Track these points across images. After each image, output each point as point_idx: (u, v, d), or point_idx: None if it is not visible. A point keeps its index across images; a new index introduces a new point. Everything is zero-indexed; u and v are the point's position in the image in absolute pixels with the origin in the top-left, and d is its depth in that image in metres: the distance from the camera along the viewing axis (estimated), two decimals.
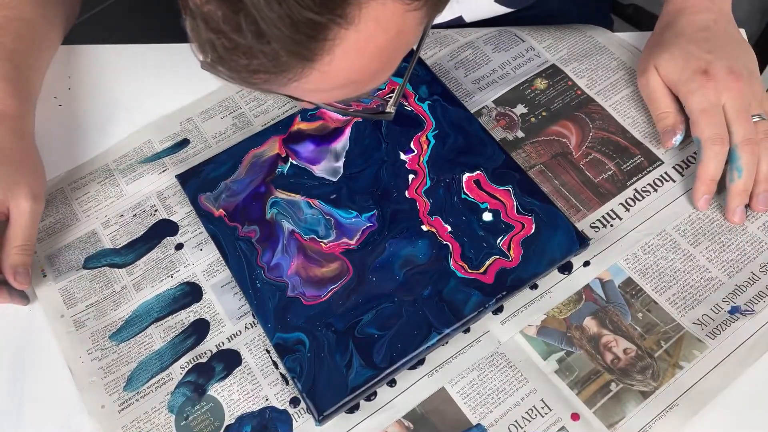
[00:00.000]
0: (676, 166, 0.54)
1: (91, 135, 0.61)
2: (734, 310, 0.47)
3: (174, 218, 0.55)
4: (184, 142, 0.59)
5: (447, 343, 0.48)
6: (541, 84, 0.60)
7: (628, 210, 0.53)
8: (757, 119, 0.50)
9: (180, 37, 0.62)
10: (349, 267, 0.49)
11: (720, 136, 0.50)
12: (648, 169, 0.54)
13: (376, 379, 0.45)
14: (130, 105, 0.62)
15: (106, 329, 0.50)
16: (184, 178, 0.54)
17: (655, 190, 0.53)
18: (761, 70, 0.55)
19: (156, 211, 0.56)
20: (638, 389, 0.45)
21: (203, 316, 0.51)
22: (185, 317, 0.51)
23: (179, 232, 0.54)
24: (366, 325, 0.47)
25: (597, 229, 0.52)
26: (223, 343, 0.49)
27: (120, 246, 0.54)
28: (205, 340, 0.50)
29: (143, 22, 0.62)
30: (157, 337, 0.50)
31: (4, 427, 0.48)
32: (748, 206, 0.51)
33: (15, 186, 0.50)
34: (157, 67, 0.64)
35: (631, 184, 0.54)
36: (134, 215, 0.56)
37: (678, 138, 0.53)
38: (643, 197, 0.53)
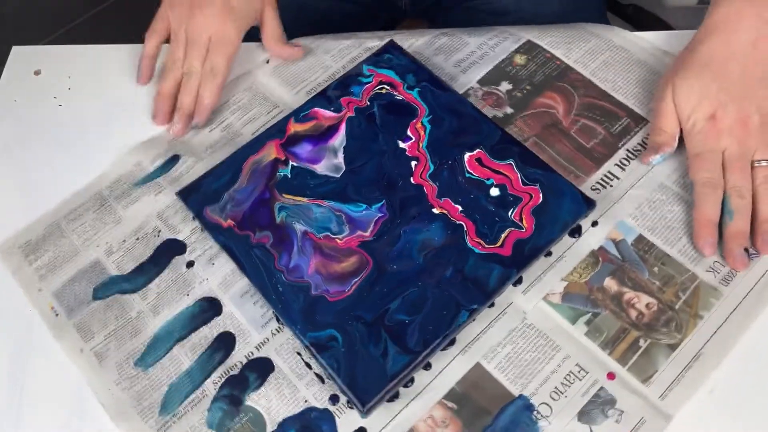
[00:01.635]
0: None
1: (91, 135, 0.60)
2: None
3: (180, 237, 0.54)
4: (175, 158, 0.58)
5: (474, 320, 0.49)
6: (520, 59, 0.61)
7: (624, 170, 0.55)
8: (764, 164, 0.49)
9: None
10: (368, 259, 0.49)
11: (711, 181, 0.49)
12: (635, 130, 0.56)
13: (413, 364, 0.46)
14: (130, 105, 0.62)
15: (130, 357, 0.49)
16: (185, 194, 0.54)
17: (646, 148, 0.55)
18: None
19: (159, 232, 0.55)
20: (665, 342, 0.47)
21: (227, 329, 0.50)
22: (208, 332, 0.50)
23: (187, 249, 0.54)
24: (395, 312, 0.47)
25: (598, 191, 0.54)
26: (252, 353, 0.49)
27: (128, 271, 0.53)
28: (233, 352, 0.49)
29: (143, 22, 0.63)
30: (184, 357, 0.49)
31: (4, 428, 0.47)
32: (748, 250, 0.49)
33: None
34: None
35: (623, 145, 0.56)
36: (137, 239, 0.55)
37: (657, 159, 0.53)
38: (636, 156, 0.55)
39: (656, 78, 0.58)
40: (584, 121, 0.57)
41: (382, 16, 0.78)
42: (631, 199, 0.53)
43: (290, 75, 0.63)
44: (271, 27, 0.62)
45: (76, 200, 0.57)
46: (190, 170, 0.57)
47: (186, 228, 0.55)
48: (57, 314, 0.51)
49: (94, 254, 0.54)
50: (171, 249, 0.54)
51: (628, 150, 0.55)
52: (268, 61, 0.64)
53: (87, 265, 0.54)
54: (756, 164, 0.50)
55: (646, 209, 0.52)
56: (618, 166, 0.55)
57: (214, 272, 0.52)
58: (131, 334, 0.50)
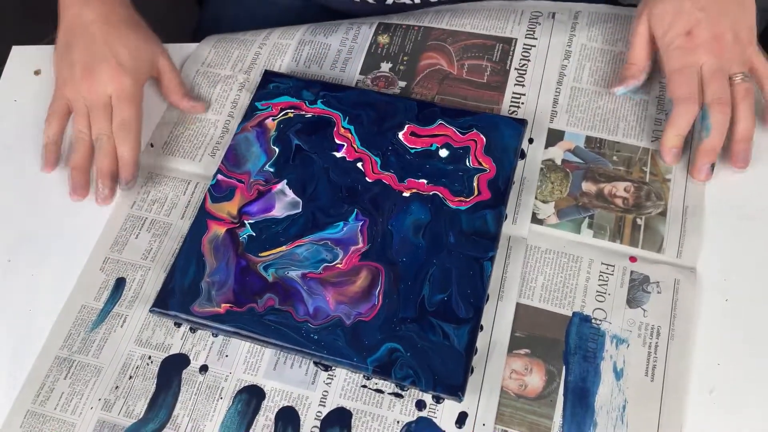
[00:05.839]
0: (527, 35, 0.62)
1: None
2: None
3: (174, 351, 0.49)
4: (121, 282, 0.53)
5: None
6: (384, 39, 0.63)
7: (524, 86, 0.59)
8: (740, 79, 0.50)
9: (178, 37, 0.63)
10: (376, 266, 0.49)
11: (691, 97, 0.50)
12: (511, 50, 0.61)
13: (475, 330, 0.46)
14: None
15: None
16: (161, 305, 0.49)
17: (529, 60, 0.61)
18: None
19: (150, 358, 0.49)
20: (656, 212, 0.52)
21: (281, 405, 0.47)
22: (266, 419, 0.46)
23: (191, 357, 0.49)
24: (430, 296, 0.48)
25: (515, 113, 0.58)
26: (320, 412, 0.46)
27: (143, 413, 0.47)
28: (302, 422, 0.46)
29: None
30: None
31: None
32: (713, 165, 0.51)
33: (154, 48, 0.60)
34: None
35: (510, 67, 0.61)
36: (130, 378, 0.49)
37: (621, 90, 0.55)
38: (526, 70, 0.60)
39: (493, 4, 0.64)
40: (468, 62, 0.61)
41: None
42: (546, 106, 0.58)
43: (181, 148, 0.59)
44: (168, 79, 0.60)
45: (36, 378, 0.49)
46: (143, 284, 0.52)
47: (175, 339, 0.50)
48: None
49: (93, 417, 0.48)
50: (174, 367, 0.49)
51: (516, 69, 0.60)
52: (152, 145, 0.59)
53: None
54: (737, 79, 0.50)
55: (575, 110, 0.57)
56: (518, 84, 0.59)
57: (233, 363, 0.49)
58: None
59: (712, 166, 0.51)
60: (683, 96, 0.51)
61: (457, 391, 0.44)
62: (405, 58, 0.62)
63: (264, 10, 0.72)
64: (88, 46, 0.56)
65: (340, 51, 0.63)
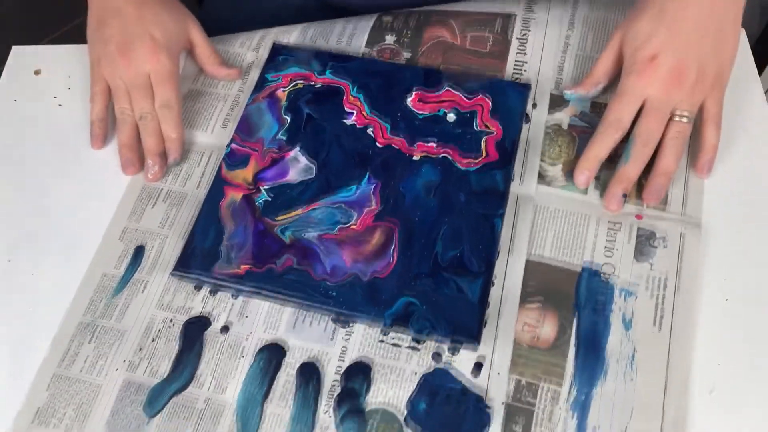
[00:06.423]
0: (526, 9, 0.63)
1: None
2: None
3: (195, 313, 0.51)
4: (140, 249, 0.54)
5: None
6: (387, 18, 0.65)
7: (526, 53, 0.61)
8: (678, 119, 0.50)
9: None
10: (390, 225, 0.51)
11: (616, 122, 0.51)
12: (512, 23, 0.63)
13: (488, 283, 0.48)
14: None
15: None
16: (183, 267, 0.50)
17: (529, 30, 0.62)
18: (761, 70, 0.58)
19: (172, 320, 0.51)
20: None
21: (301, 360, 0.48)
22: (287, 375, 0.48)
23: (212, 319, 0.50)
24: (443, 252, 0.49)
25: (518, 79, 0.60)
26: (340, 366, 0.48)
27: (168, 372, 0.49)
28: (323, 377, 0.48)
29: None
30: (280, 409, 0.47)
31: None
32: (626, 196, 0.52)
33: (185, 21, 0.61)
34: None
35: (512, 36, 0.62)
36: (153, 340, 0.50)
37: (569, 94, 0.56)
38: (527, 39, 0.62)
39: None
40: (471, 34, 0.63)
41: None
42: (549, 71, 0.59)
43: (192, 119, 0.60)
44: (202, 49, 0.61)
45: (61, 342, 0.51)
46: (162, 251, 0.54)
47: (196, 302, 0.51)
48: None
49: (119, 378, 0.49)
50: (197, 328, 0.50)
51: (518, 38, 0.62)
52: None
53: (118, 393, 0.48)
54: (676, 118, 0.50)
55: (571, 69, 0.59)
56: (520, 53, 0.61)
57: (253, 323, 0.50)
58: (213, 422, 0.47)
59: (624, 196, 0.51)
60: (609, 120, 0.51)
61: (472, 336, 0.46)
62: (409, 32, 0.63)
63: (264, 9, 0.73)
64: (121, 25, 0.57)
65: (346, 27, 0.64)
